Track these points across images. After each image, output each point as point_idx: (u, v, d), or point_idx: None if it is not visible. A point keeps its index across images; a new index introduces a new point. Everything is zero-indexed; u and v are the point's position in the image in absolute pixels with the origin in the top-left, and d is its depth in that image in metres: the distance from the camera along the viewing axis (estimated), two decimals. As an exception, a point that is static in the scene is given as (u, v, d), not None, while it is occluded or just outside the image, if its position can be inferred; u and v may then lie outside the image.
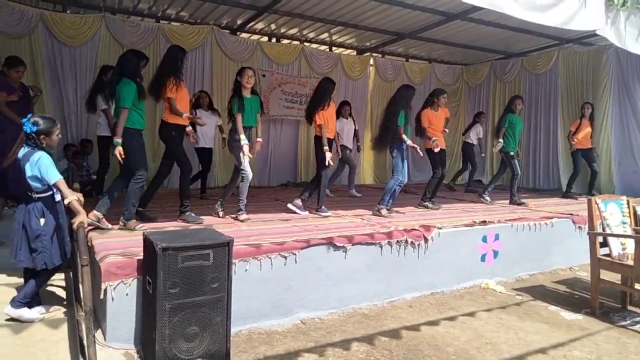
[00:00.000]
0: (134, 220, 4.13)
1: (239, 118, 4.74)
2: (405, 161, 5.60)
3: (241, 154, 4.74)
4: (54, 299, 3.75)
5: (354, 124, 7.52)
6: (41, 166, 3.14)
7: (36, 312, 3.34)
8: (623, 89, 8.22)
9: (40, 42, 6.72)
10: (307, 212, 5.29)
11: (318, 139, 5.41)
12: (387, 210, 5.43)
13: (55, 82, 6.94)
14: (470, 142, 8.63)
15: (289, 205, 5.35)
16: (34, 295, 3.35)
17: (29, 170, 3.17)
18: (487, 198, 6.81)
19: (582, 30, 5.40)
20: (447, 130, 6.28)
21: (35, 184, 3.19)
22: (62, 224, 3.35)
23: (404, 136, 5.43)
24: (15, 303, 3.25)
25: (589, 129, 7.66)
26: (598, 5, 5.10)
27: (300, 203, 5.34)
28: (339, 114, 6.99)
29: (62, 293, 3.96)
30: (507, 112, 6.88)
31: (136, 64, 4.09)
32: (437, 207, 6.05)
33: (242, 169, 4.78)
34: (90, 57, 7.13)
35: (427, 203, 6.08)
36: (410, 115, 5.63)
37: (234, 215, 4.81)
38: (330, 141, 5.43)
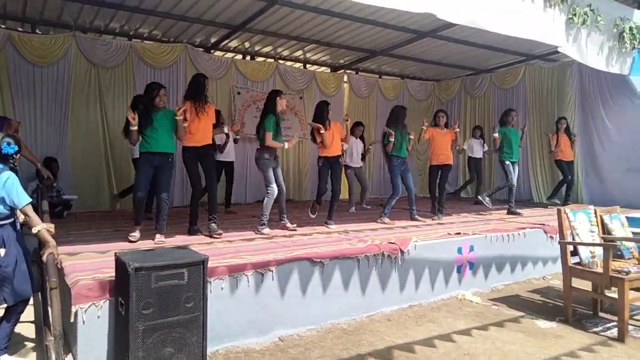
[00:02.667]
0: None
1: (269, 136, 5.04)
2: (399, 176, 6.15)
3: (267, 171, 5.09)
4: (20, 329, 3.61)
5: (363, 145, 7.77)
6: (11, 188, 2.87)
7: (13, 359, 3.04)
8: (586, 102, 8.55)
9: (7, 63, 6.60)
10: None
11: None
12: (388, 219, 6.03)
13: (23, 101, 6.78)
14: (471, 155, 8.93)
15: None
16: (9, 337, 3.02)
17: None
18: (488, 203, 7.12)
19: (551, 45, 5.62)
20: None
21: None
22: (25, 253, 3.02)
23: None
24: None
25: (568, 142, 7.98)
26: (560, 23, 5.33)
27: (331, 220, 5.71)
28: (352, 133, 7.35)
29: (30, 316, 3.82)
30: (500, 125, 7.19)
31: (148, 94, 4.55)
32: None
33: (268, 185, 5.08)
34: (61, 76, 7.03)
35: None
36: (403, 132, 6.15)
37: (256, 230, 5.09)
38: (328, 158, 5.73)
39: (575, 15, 5.39)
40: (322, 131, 5.57)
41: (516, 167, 7.13)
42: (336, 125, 5.84)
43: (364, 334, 3.80)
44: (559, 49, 5.58)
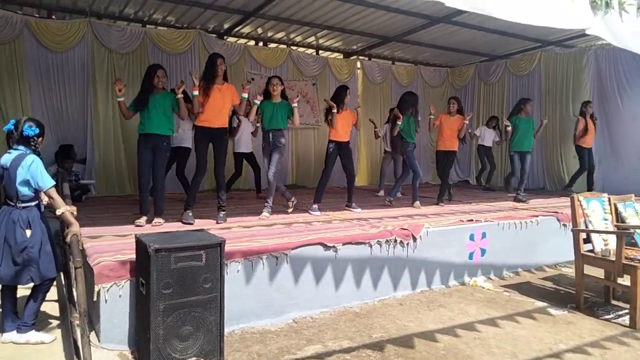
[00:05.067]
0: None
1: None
2: (415, 159, 6.44)
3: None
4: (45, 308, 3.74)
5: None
6: (35, 171, 2.96)
7: (40, 334, 3.13)
8: (602, 89, 8.44)
9: (25, 48, 6.70)
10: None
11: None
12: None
13: (40, 87, 6.91)
14: (481, 143, 8.94)
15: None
16: (36, 314, 3.13)
17: (20, 175, 2.95)
18: (522, 198, 6.98)
19: (571, 29, 5.45)
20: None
21: (24, 191, 2.98)
22: (49, 234, 3.12)
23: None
24: (20, 329, 3.03)
25: (592, 128, 7.80)
26: (584, 4, 5.10)
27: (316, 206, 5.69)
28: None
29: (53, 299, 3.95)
30: (512, 114, 7.15)
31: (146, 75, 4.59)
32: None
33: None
34: (78, 62, 7.14)
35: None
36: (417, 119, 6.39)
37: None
38: (339, 143, 5.79)
39: None
40: (334, 110, 5.68)
41: (527, 157, 7.04)
42: (349, 113, 5.91)
43: (376, 317, 3.87)
44: (587, 31, 5.29)
